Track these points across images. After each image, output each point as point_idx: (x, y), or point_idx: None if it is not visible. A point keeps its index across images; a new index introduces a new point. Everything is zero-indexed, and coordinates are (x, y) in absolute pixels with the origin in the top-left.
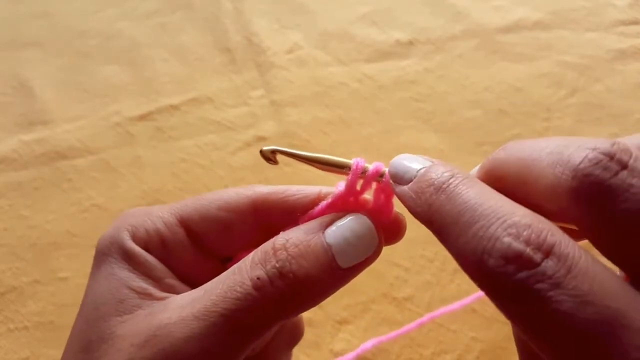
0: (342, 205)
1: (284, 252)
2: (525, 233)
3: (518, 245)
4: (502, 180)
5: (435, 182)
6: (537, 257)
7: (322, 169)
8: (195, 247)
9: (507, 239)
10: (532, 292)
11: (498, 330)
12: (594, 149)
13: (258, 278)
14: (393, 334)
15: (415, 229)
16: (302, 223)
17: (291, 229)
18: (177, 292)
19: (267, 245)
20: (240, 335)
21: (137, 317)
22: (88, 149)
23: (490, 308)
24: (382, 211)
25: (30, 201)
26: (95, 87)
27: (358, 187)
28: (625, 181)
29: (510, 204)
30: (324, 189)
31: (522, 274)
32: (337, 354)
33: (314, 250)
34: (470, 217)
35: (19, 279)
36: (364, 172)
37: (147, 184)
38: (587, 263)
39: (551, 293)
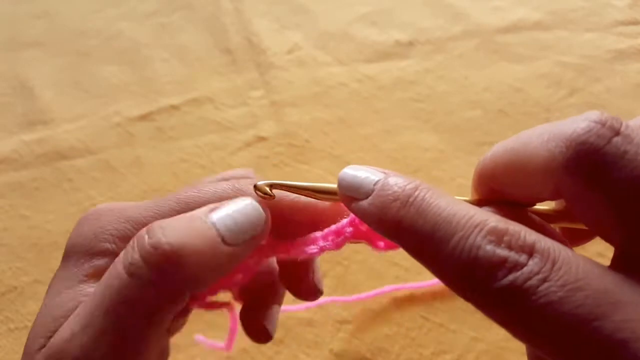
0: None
1: (159, 228)
2: (505, 238)
3: (502, 251)
4: (493, 178)
5: (401, 196)
6: (522, 258)
7: (320, 198)
8: None
9: (489, 247)
10: (523, 292)
11: (498, 330)
12: (585, 119)
13: (131, 263)
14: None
15: None
16: (300, 245)
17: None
18: None
19: (141, 231)
20: (129, 334)
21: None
22: (88, 149)
23: None
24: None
25: (30, 201)
26: (95, 87)
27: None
28: (620, 148)
29: (481, 211)
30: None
31: (511, 277)
32: (337, 354)
33: (195, 225)
34: (446, 230)
35: (20, 279)
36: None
37: (147, 183)
38: (568, 254)
39: (541, 288)
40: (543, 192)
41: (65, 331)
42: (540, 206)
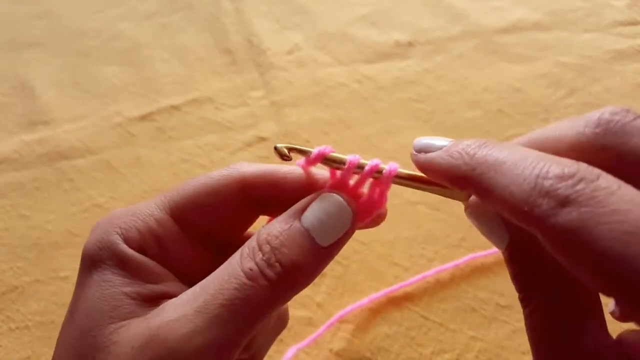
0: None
1: (268, 246)
2: (575, 165)
3: (571, 169)
4: None
5: (475, 142)
6: (592, 176)
7: (330, 166)
8: (188, 239)
9: (559, 167)
10: (592, 199)
11: (497, 329)
12: (610, 107)
13: (250, 269)
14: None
15: (414, 229)
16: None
17: (270, 222)
18: (174, 295)
19: (252, 241)
20: (241, 324)
21: (133, 322)
22: (89, 149)
23: (489, 307)
24: (375, 202)
25: (31, 201)
26: (96, 88)
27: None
28: None
29: (551, 155)
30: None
31: (581, 185)
32: (337, 354)
33: (294, 237)
34: (520, 156)
35: (20, 279)
36: (360, 167)
37: (147, 184)
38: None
39: (612, 199)
40: None
41: (170, 313)
42: None
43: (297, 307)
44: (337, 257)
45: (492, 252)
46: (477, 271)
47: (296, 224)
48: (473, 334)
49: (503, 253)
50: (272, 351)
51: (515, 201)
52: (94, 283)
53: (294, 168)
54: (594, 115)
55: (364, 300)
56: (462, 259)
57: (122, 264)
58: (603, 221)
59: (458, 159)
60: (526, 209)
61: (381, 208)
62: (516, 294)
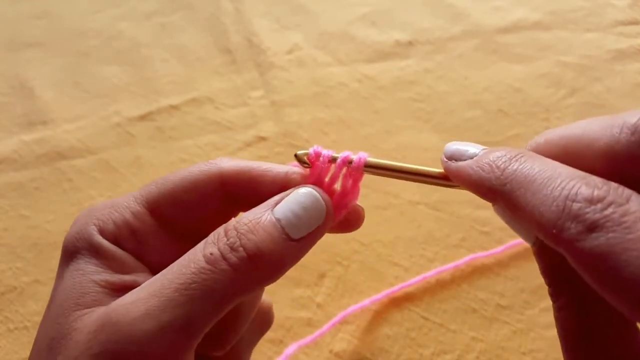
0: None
1: (234, 231)
2: (605, 187)
3: (600, 192)
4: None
5: (507, 155)
6: (621, 199)
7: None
8: (166, 233)
9: (588, 188)
10: (620, 225)
11: (498, 329)
12: None
13: (211, 254)
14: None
15: (414, 229)
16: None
17: (243, 214)
18: None
19: (219, 229)
20: (199, 308)
21: (96, 309)
22: (88, 149)
23: (490, 307)
24: (348, 193)
25: (30, 201)
26: (95, 87)
27: (328, 176)
28: None
29: (582, 172)
30: (291, 169)
31: (610, 210)
32: (337, 354)
33: (263, 226)
34: (551, 174)
35: (19, 279)
36: (333, 160)
37: (147, 183)
38: None
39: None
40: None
41: (127, 298)
42: None
43: (297, 307)
44: (337, 258)
45: (492, 252)
46: (477, 272)
47: (267, 214)
48: (474, 334)
49: (532, 247)
50: (271, 352)
51: (544, 222)
52: (69, 273)
53: (272, 165)
54: (631, 119)
55: (365, 301)
56: (463, 260)
57: (96, 254)
58: (631, 248)
59: (489, 173)
60: (554, 231)
61: (355, 199)
62: (517, 295)
